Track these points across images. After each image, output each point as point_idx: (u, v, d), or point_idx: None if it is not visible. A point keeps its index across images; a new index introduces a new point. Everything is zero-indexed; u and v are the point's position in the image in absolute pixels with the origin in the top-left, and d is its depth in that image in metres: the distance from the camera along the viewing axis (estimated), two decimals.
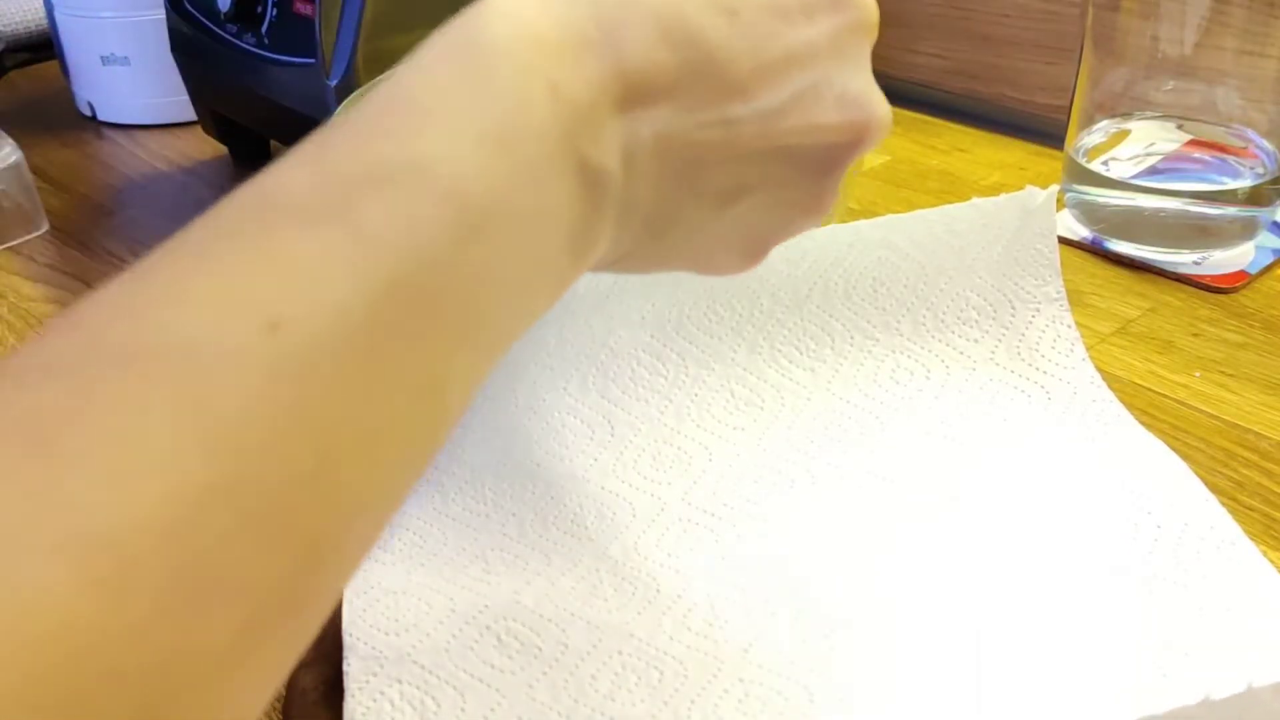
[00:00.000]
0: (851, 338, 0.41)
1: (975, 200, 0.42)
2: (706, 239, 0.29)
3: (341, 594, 0.35)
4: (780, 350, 0.41)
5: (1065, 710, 0.29)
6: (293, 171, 0.22)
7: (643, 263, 0.30)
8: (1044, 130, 0.68)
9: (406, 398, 0.21)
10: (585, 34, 0.24)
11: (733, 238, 0.30)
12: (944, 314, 0.41)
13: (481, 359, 0.24)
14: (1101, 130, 0.56)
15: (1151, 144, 0.55)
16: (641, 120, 0.25)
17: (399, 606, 0.33)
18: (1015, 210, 0.42)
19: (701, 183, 0.27)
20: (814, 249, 0.42)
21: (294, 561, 0.19)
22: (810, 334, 0.41)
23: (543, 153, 0.23)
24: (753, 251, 0.31)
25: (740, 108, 0.26)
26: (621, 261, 0.29)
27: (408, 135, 0.22)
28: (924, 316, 0.41)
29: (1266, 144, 0.53)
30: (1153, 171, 0.54)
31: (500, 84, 0.23)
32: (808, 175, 0.29)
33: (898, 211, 0.61)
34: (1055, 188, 0.42)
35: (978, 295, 0.41)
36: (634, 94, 0.25)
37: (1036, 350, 0.40)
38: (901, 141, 0.70)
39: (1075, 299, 0.51)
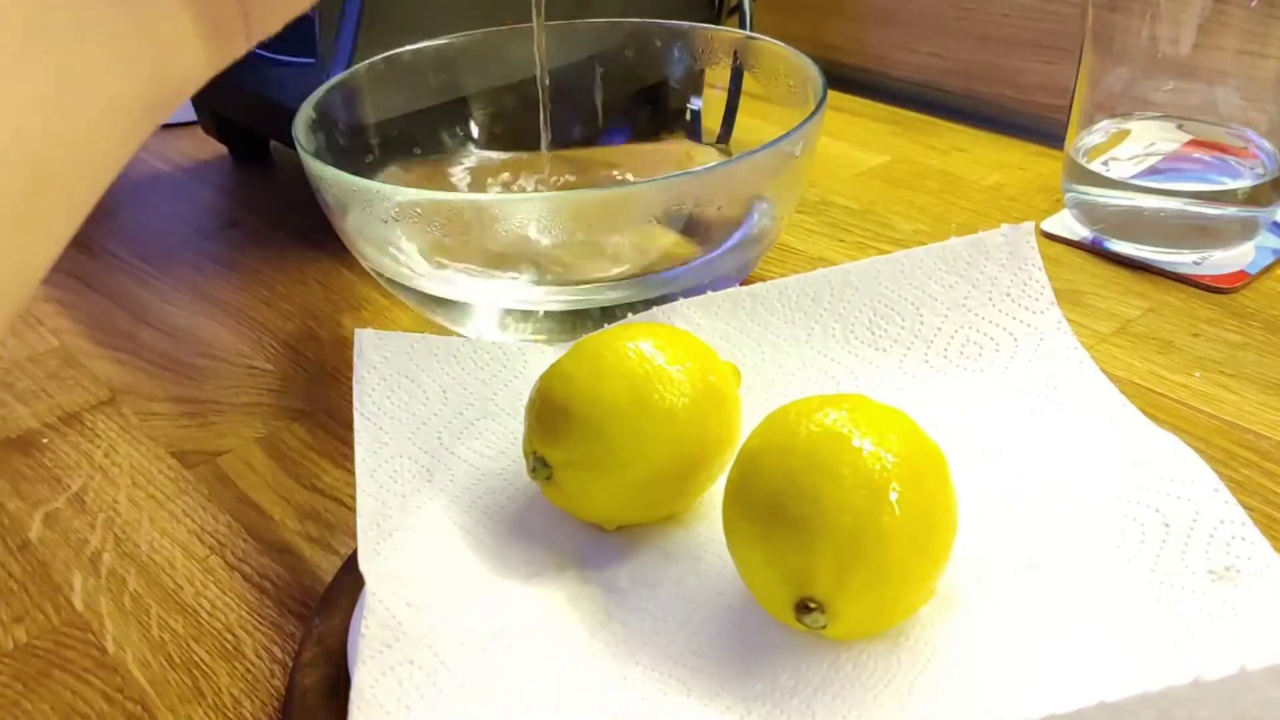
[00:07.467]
0: (856, 380, 0.41)
1: (952, 240, 0.42)
2: None
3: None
4: (785, 395, 0.41)
5: (1055, 689, 0.29)
6: None
7: None
8: (1044, 130, 0.69)
9: None
10: None
11: None
12: (947, 351, 0.42)
13: None
14: (1101, 130, 0.56)
15: (1151, 144, 0.55)
16: None
17: (422, 586, 0.33)
18: (997, 246, 0.42)
19: None
20: (806, 296, 0.42)
21: None
22: (813, 380, 0.41)
23: None
24: None
25: None
26: None
27: None
28: (927, 355, 0.42)
29: (1266, 144, 0.53)
30: (1153, 171, 0.54)
31: None
32: None
33: (898, 211, 0.61)
34: (1031, 224, 0.42)
35: (978, 331, 0.42)
36: None
37: (1048, 372, 0.41)
38: (901, 141, 0.70)
39: (1075, 299, 0.51)
